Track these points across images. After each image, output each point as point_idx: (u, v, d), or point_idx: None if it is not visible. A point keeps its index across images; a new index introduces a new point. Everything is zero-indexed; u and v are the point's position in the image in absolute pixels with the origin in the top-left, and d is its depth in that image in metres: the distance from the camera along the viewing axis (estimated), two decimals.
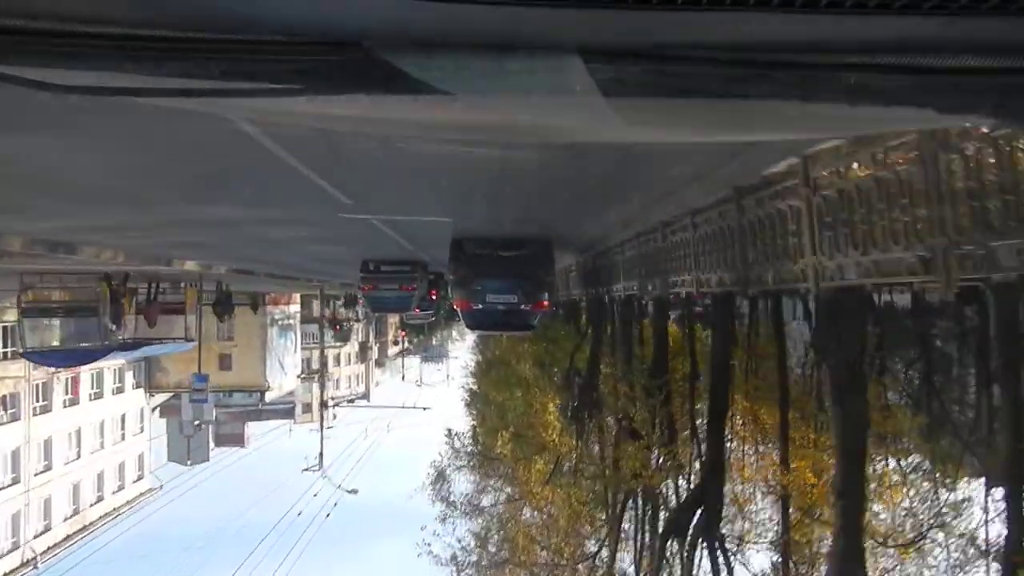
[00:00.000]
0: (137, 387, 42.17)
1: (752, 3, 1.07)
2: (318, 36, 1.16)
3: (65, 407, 34.68)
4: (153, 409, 42.82)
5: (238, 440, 47.29)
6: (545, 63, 1.14)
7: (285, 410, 51.02)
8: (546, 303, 14.06)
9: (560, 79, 1.16)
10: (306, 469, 35.24)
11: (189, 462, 41.02)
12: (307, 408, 51.31)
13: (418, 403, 44.52)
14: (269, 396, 49.64)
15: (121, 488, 38.67)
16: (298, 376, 55.15)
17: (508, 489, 26.91)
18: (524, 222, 11.95)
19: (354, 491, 33.79)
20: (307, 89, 1.22)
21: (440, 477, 28.71)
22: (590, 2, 1.10)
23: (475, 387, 37.90)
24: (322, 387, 43.71)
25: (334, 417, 50.10)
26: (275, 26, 1.16)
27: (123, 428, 39.99)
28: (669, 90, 1.21)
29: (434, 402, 46.14)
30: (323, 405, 41.17)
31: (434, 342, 77.91)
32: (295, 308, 54.09)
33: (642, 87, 1.18)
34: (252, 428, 49.57)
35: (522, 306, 13.45)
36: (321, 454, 36.06)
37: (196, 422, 42.59)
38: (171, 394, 44.37)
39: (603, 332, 25.22)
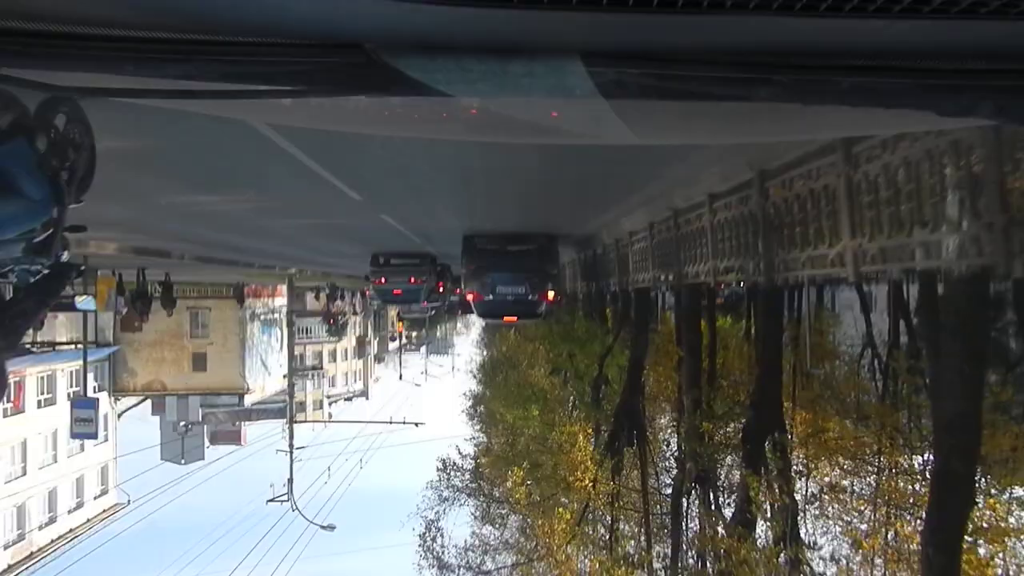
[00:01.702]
0: (100, 390, 41.84)
1: (752, 6, 1.23)
2: (320, 38, 1.33)
3: (6, 416, 33.33)
4: (119, 415, 43.05)
5: (235, 438, 47.96)
6: (546, 65, 1.32)
7: (277, 410, 51.31)
8: (551, 293, 16.58)
9: (561, 81, 1.34)
10: (272, 499, 31.93)
11: (183, 461, 41.61)
12: (300, 407, 51.65)
13: (408, 418, 40.30)
14: (250, 399, 49.84)
15: (80, 506, 37.91)
16: (284, 376, 55.36)
17: (522, 543, 24.57)
18: (529, 220, 13.65)
19: (331, 527, 30.69)
20: (309, 91, 1.41)
21: (429, 531, 26.58)
22: (591, 5, 1.26)
23: (479, 391, 37.04)
24: (291, 396, 40.51)
25: (330, 416, 50.38)
26: (277, 28, 1.33)
27: None
28: (669, 92, 1.38)
29: (432, 405, 45.75)
30: (291, 420, 36.69)
31: (437, 335, 78.48)
32: (281, 301, 54.16)
33: (642, 89, 1.36)
34: (246, 427, 50.08)
35: (529, 296, 16.14)
36: (291, 480, 32.31)
37: (183, 422, 43.40)
38: (140, 398, 44.72)
39: (642, 333, 21.75)
